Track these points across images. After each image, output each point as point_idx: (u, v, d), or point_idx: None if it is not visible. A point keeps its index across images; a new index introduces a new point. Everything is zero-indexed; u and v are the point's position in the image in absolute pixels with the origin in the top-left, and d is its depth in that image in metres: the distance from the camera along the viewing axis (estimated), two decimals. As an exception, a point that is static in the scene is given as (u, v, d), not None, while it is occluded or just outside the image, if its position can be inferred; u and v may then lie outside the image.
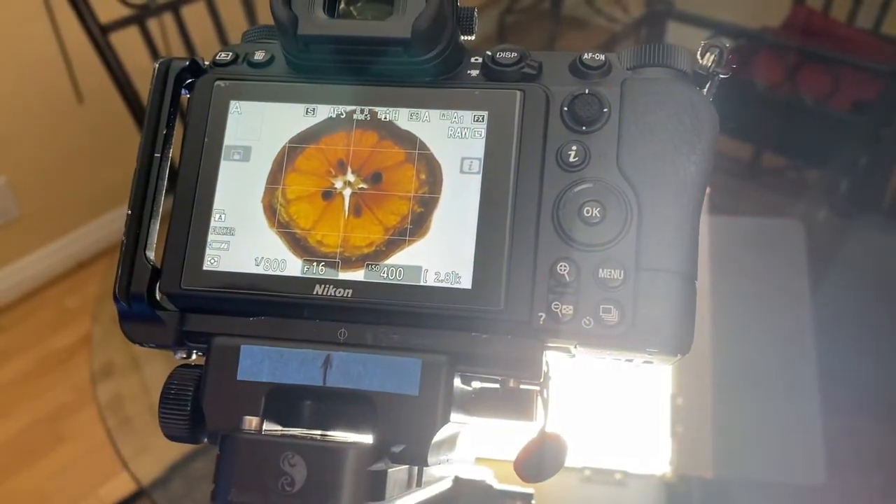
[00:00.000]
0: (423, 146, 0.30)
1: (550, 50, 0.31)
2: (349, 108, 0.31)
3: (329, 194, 0.31)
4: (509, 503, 0.40)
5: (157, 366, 1.52)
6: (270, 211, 0.31)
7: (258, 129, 0.32)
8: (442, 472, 0.38)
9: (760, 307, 1.13)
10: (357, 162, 0.31)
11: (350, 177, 0.31)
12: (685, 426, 0.98)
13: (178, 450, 1.46)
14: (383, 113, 0.31)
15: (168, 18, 1.69)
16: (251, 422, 0.28)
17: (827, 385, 1.04)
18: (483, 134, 0.30)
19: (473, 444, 0.42)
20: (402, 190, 0.30)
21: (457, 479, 0.39)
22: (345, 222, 0.30)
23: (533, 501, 0.42)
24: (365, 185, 0.31)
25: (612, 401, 1.01)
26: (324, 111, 0.31)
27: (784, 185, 2.08)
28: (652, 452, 0.98)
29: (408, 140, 0.31)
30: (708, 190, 1.02)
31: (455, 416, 0.30)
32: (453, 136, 0.30)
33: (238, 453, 0.27)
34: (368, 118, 0.31)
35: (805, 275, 1.13)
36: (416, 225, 0.30)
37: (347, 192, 0.31)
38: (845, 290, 1.21)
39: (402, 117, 0.31)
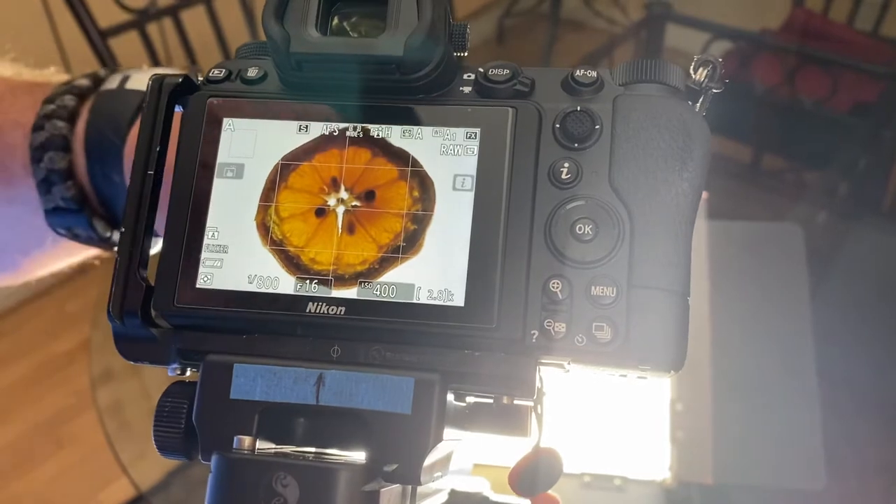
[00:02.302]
0: (415, 163, 0.30)
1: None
2: (342, 125, 0.31)
3: (322, 212, 0.31)
4: None
5: (157, 371, 1.52)
6: (264, 229, 0.31)
7: (251, 146, 0.32)
8: (438, 484, 0.38)
9: (760, 312, 1.13)
10: (350, 179, 0.31)
11: (343, 194, 0.31)
12: (685, 432, 0.98)
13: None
14: (376, 130, 0.31)
15: (168, 23, 1.69)
16: (244, 441, 0.28)
17: (827, 390, 1.04)
18: (475, 151, 0.30)
19: (471, 451, 0.42)
20: (395, 207, 0.30)
21: (453, 492, 0.39)
22: (338, 240, 0.30)
23: None
24: (358, 203, 0.31)
25: (611, 407, 1.01)
26: (317, 128, 0.31)
27: (783, 188, 2.08)
28: (652, 458, 0.98)
29: (401, 157, 0.31)
30: (706, 194, 1.02)
31: (449, 433, 0.30)
32: (446, 153, 0.30)
33: (230, 473, 0.27)
34: (361, 135, 0.31)
35: (805, 279, 1.13)
36: (410, 242, 0.30)
37: (341, 209, 0.31)
38: (845, 293, 1.21)
39: (395, 135, 0.31)
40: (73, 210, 0.43)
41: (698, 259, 1.07)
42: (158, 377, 1.55)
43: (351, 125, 0.31)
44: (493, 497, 0.42)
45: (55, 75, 0.48)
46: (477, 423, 0.33)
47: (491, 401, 0.32)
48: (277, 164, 0.31)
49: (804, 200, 1.91)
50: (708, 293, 1.05)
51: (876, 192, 1.98)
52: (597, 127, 0.30)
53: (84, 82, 0.45)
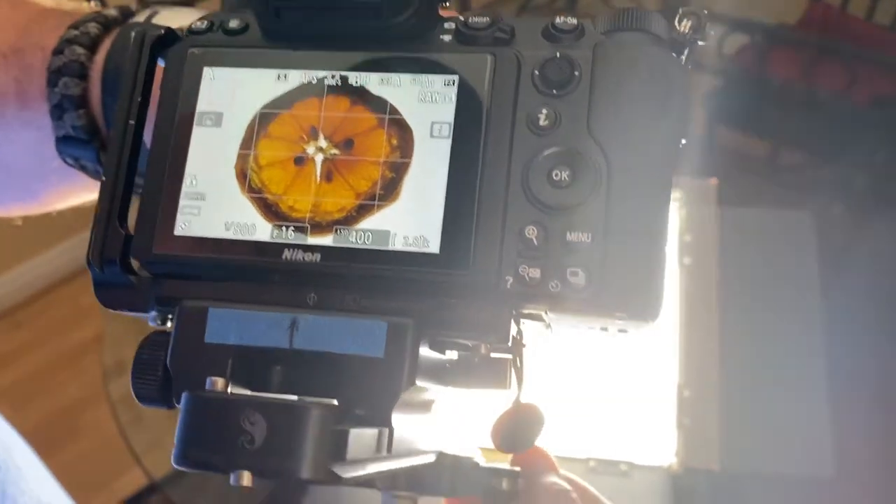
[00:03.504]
0: (393, 111, 0.30)
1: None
2: (321, 73, 0.31)
3: (301, 160, 0.31)
4: (495, 481, 0.40)
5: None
6: (242, 176, 0.31)
7: (231, 95, 0.32)
8: (425, 445, 0.37)
9: (770, 300, 1.13)
10: (329, 128, 0.31)
11: (322, 143, 0.31)
12: (692, 418, 0.98)
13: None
14: (354, 78, 0.31)
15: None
16: (217, 382, 0.28)
17: (837, 377, 1.04)
18: (453, 98, 0.30)
19: (474, 432, 0.42)
20: (373, 155, 0.30)
21: (441, 454, 0.39)
22: (316, 188, 0.30)
23: (520, 479, 0.41)
24: (336, 151, 0.31)
25: (618, 392, 1.01)
26: (296, 77, 0.31)
27: (801, 182, 2.07)
28: (658, 444, 0.99)
29: (379, 105, 0.31)
30: (715, 181, 1.01)
31: (427, 383, 0.30)
32: (424, 101, 0.30)
33: (198, 411, 0.27)
34: (340, 84, 0.31)
35: (815, 267, 1.13)
36: (387, 190, 0.30)
37: (319, 157, 0.31)
38: (859, 285, 1.20)
39: (373, 82, 0.31)
40: (82, 140, 0.43)
41: (708, 246, 1.08)
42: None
43: (329, 73, 0.31)
44: (484, 463, 0.42)
45: (92, 6, 0.48)
46: (457, 376, 0.33)
47: (469, 352, 0.32)
48: (257, 112, 0.31)
49: (821, 194, 1.90)
50: (717, 280, 1.06)
51: (894, 185, 1.96)
52: (576, 73, 0.30)
53: (112, 13, 0.44)
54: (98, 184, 0.45)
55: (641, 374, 1.03)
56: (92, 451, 1.84)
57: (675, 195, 1.13)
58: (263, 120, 0.31)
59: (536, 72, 0.30)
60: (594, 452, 0.99)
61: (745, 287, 1.10)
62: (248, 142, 0.31)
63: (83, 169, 0.44)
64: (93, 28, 0.43)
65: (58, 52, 0.42)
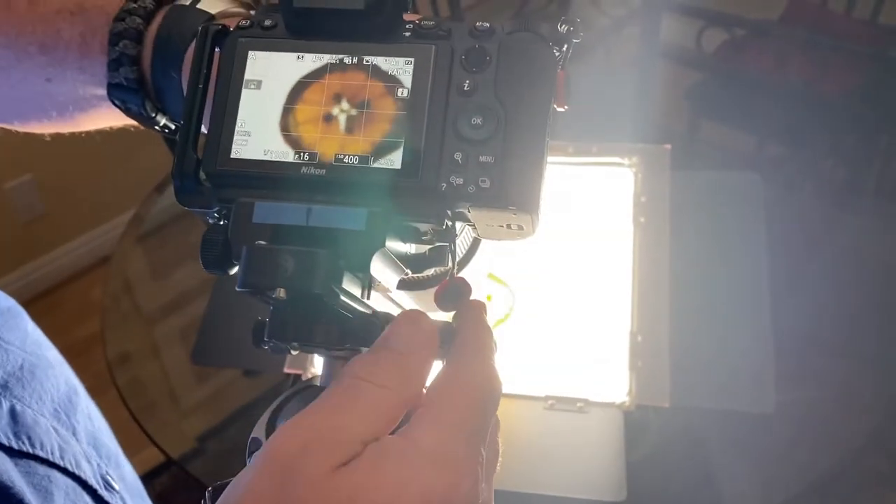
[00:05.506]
0: (393, 79, 0.48)
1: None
2: (325, 56, 0.49)
3: (329, 117, 0.49)
4: None
5: (173, 355, 1.72)
6: (284, 126, 0.48)
7: (266, 68, 0.50)
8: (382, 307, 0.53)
9: (718, 253, 1.30)
10: (349, 94, 0.48)
11: (345, 105, 0.49)
12: (644, 361, 1.16)
13: (201, 426, 1.63)
14: (350, 59, 0.49)
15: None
16: (262, 243, 0.46)
17: (778, 326, 1.20)
18: (411, 72, 0.49)
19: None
20: (383, 113, 0.47)
21: (375, 311, 0.52)
22: (341, 139, 0.49)
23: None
24: (355, 112, 0.49)
25: (576, 338, 1.20)
26: (309, 58, 0.50)
27: (778, 171, 2.24)
28: (613, 384, 1.16)
29: (385, 77, 0.48)
30: (668, 146, 1.21)
31: (393, 259, 0.49)
32: (392, 74, 0.49)
33: (253, 256, 0.45)
34: (356, 62, 0.49)
35: (762, 223, 1.30)
36: (390, 146, 0.47)
37: (343, 116, 0.49)
38: (800, 240, 1.36)
39: (359, 62, 0.49)
40: (132, 89, 0.59)
41: (661, 206, 1.27)
42: (174, 360, 1.73)
43: (331, 56, 0.49)
44: None
45: None
46: (415, 264, 0.52)
47: (422, 241, 0.50)
48: (293, 83, 0.49)
49: (792, 178, 2.07)
50: (669, 237, 1.23)
51: (863, 170, 2.14)
52: (488, 58, 0.49)
53: None
54: (125, 117, 0.63)
55: (598, 321, 1.21)
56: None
57: (633, 160, 1.31)
58: (299, 88, 0.49)
59: (463, 57, 0.49)
60: (553, 391, 1.16)
61: (695, 242, 1.27)
62: (288, 105, 0.49)
63: (127, 110, 0.61)
64: (149, 2, 0.60)
65: (119, 19, 0.59)
